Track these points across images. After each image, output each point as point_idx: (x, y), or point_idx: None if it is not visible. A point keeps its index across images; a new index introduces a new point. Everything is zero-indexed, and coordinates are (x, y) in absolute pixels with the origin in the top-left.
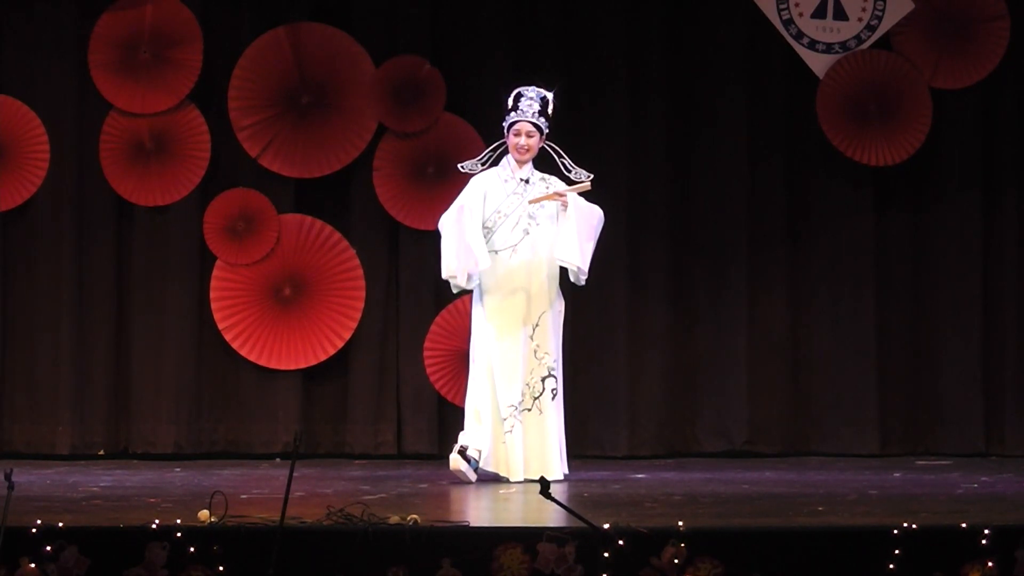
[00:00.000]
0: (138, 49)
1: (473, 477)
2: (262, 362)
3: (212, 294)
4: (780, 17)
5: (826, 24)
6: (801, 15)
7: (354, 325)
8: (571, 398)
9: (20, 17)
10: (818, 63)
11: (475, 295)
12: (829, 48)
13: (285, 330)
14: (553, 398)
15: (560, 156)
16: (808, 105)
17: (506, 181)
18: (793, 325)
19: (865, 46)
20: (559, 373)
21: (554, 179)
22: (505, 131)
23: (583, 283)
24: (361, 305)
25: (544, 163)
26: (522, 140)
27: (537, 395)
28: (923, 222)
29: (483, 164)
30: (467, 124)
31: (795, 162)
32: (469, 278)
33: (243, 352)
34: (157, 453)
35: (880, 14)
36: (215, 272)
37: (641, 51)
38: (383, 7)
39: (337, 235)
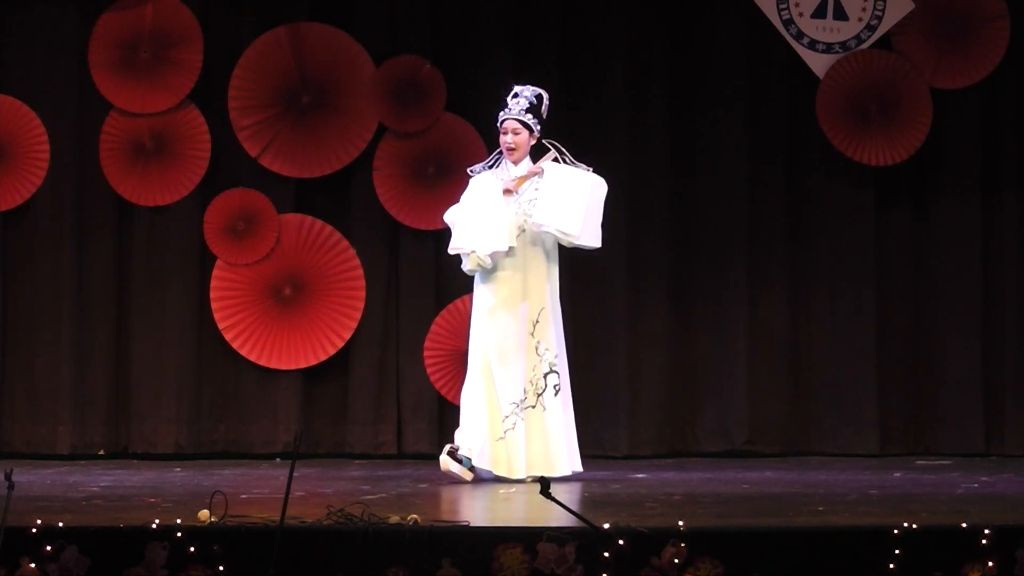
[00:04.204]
0: (138, 49)
1: (468, 476)
2: (262, 362)
3: (212, 294)
4: (780, 17)
5: (826, 24)
6: (801, 15)
7: (354, 325)
8: (572, 398)
9: (20, 17)
10: (818, 63)
11: (474, 293)
12: (829, 48)
13: (285, 330)
14: (556, 394)
15: (562, 153)
16: (808, 105)
17: (502, 180)
18: (793, 325)
19: (865, 46)
20: (563, 369)
21: None
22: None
23: (576, 244)
24: (361, 305)
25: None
26: (508, 138)
27: (540, 391)
28: (923, 222)
29: (489, 167)
30: (467, 124)
31: (795, 162)
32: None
33: (243, 352)
34: (157, 453)
35: (880, 14)
36: (215, 272)
37: (641, 51)
38: (383, 7)
39: (337, 235)
